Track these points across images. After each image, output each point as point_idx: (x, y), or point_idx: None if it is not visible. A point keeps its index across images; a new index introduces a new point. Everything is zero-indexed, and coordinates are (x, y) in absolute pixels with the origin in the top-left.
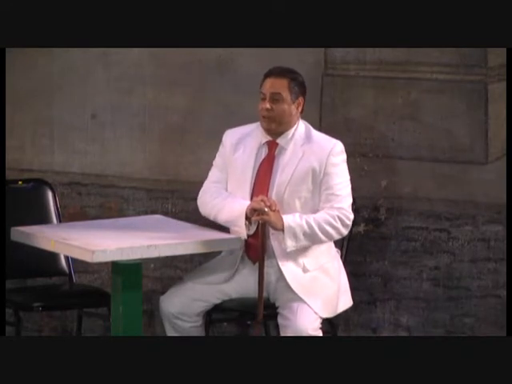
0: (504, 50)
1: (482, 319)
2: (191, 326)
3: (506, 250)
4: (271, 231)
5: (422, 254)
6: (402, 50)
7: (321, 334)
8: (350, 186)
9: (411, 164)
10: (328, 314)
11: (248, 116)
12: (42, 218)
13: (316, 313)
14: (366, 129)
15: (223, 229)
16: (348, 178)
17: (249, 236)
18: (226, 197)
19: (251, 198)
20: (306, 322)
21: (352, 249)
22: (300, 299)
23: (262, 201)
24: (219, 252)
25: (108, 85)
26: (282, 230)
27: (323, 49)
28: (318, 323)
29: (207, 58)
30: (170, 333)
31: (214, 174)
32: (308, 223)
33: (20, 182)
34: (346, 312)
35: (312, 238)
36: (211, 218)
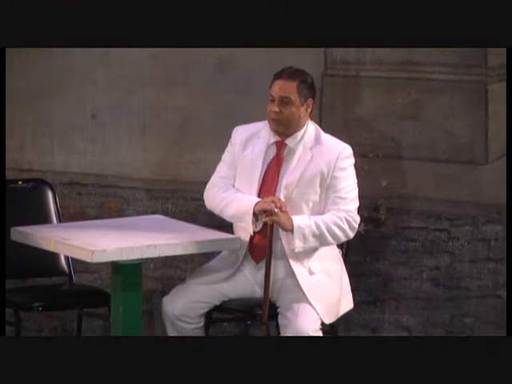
0: (504, 50)
1: (481, 319)
2: (194, 328)
3: (506, 250)
4: (281, 232)
5: (422, 253)
6: (402, 50)
7: (321, 335)
8: (357, 190)
9: (411, 164)
10: (330, 319)
11: (248, 116)
12: (42, 218)
13: (320, 318)
14: (366, 129)
15: (223, 229)
16: (355, 181)
17: (255, 233)
18: (234, 192)
19: (258, 197)
20: (307, 322)
21: (352, 249)
22: (301, 300)
23: (272, 202)
24: (220, 251)
25: (108, 85)
26: (291, 231)
27: (323, 49)
28: (318, 324)
29: (207, 58)
30: (172, 334)
31: (222, 169)
32: (317, 224)
33: (20, 182)
34: (346, 312)
35: (320, 239)
36: (217, 211)
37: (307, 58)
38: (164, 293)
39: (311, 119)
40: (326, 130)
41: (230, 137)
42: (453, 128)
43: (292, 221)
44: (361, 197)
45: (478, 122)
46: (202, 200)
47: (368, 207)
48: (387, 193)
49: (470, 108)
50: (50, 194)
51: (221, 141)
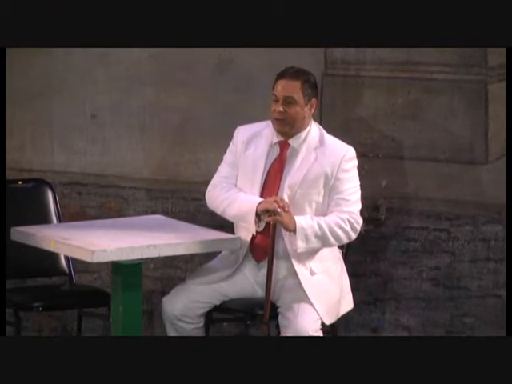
0: (504, 50)
1: (481, 319)
2: (193, 328)
3: (506, 250)
4: (284, 232)
5: (422, 253)
6: (402, 50)
7: (321, 335)
8: (359, 192)
9: (411, 164)
10: (331, 319)
11: (248, 116)
12: (42, 218)
13: (320, 318)
14: (366, 129)
15: (223, 229)
16: (358, 183)
17: (257, 233)
18: (237, 192)
19: (261, 198)
20: (307, 322)
21: (352, 249)
22: (302, 300)
23: (275, 201)
24: (220, 251)
25: (108, 85)
26: (294, 231)
27: (323, 49)
28: (318, 324)
29: (207, 58)
30: (172, 334)
31: (224, 169)
32: (319, 225)
33: (20, 182)
34: (346, 312)
35: (322, 240)
36: (219, 211)
37: (307, 58)
38: (164, 293)
39: (312, 119)
40: (326, 130)
41: (230, 137)
42: (453, 128)
43: (295, 221)
44: (361, 197)
45: (478, 121)
46: (202, 200)
47: (368, 207)
48: (387, 193)
49: (469, 108)
50: (50, 194)
51: (221, 141)
